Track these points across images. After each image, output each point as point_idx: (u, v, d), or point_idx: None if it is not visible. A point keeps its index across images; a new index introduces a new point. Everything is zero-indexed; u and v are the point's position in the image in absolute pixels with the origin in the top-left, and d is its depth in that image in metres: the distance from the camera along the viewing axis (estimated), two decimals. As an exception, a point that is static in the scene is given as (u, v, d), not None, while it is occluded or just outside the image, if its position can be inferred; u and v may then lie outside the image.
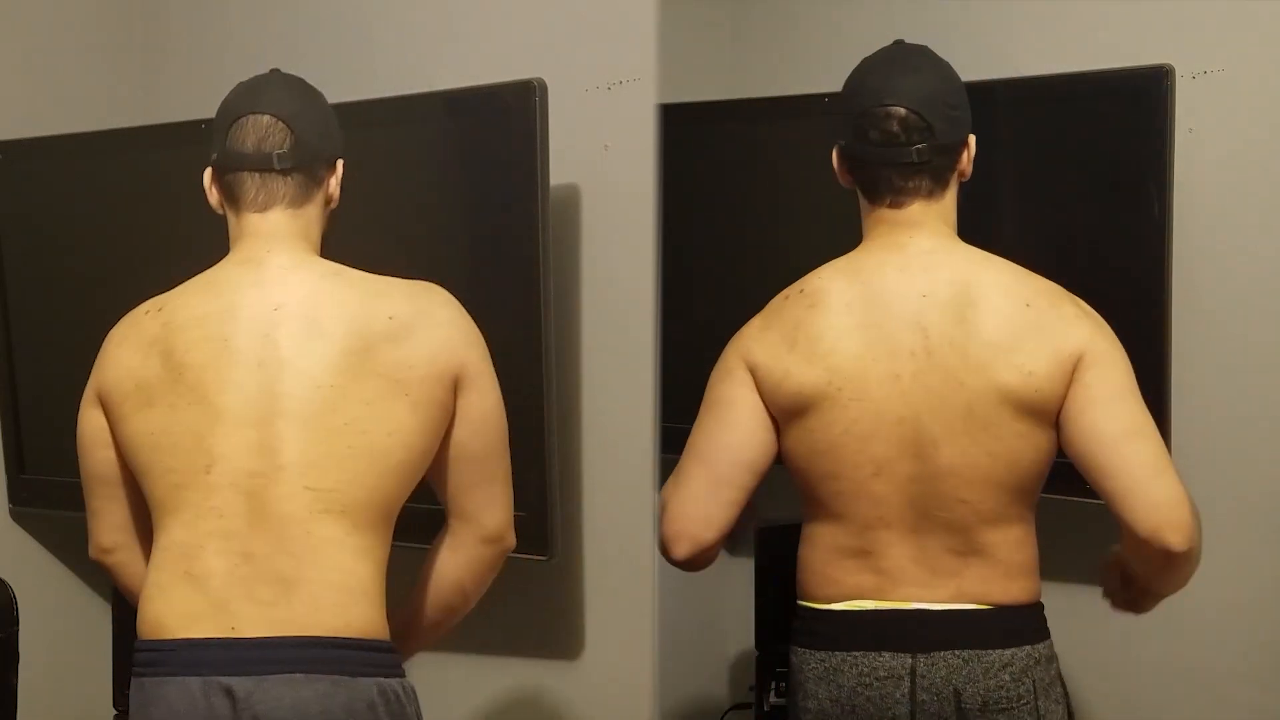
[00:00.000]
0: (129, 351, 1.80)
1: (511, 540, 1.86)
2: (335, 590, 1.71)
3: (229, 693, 1.66)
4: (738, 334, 1.90)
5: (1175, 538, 1.68)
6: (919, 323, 1.79)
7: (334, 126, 1.89)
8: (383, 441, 1.72)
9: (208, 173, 1.87)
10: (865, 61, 1.89)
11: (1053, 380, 1.76)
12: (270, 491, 1.70)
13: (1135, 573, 1.85)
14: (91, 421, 1.85)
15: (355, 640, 1.71)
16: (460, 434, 1.79)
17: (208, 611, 1.70)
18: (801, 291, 1.86)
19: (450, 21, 2.41)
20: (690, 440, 1.89)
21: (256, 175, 1.81)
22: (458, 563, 1.85)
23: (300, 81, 1.90)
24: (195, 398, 1.73)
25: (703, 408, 1.90)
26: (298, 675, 1.67)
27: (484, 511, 1.82)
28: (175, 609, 1.71)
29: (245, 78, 1.88)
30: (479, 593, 1.89)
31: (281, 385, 1.72)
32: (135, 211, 2.50)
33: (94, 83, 2.75)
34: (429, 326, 1.76)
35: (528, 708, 2.40)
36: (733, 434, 1.86)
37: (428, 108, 2.20)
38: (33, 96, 2.66)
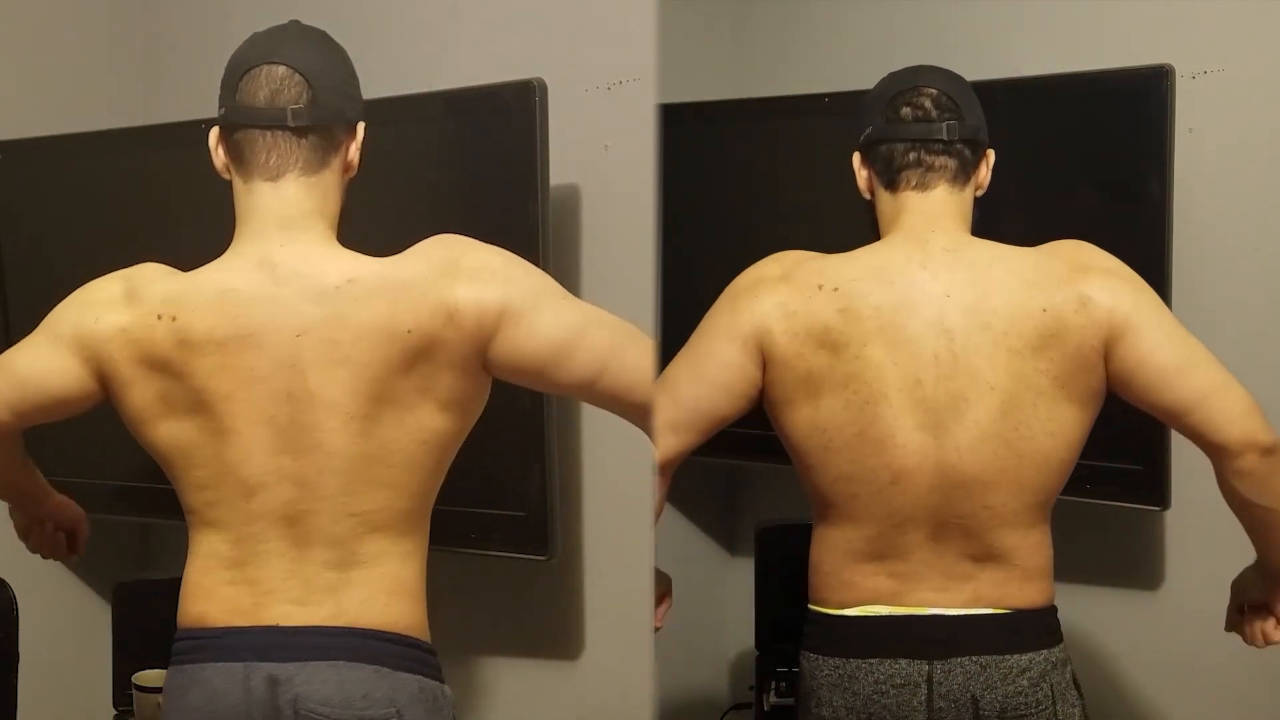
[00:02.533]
0: (139, 359, 1.68)
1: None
2: (382, 591, 1.70)
3: (270, 677, 1.65)
4: (754, 287, 1.83)
5: (1265, 435, 1.73)
6: (943, 325, 1.76)
7: (356, 86, 1.76)
8: (416, 450, 1.69)
9: (214, 132, 1.72)
10: (888, 74, 1.89)
11: (1088, 371, 1.75)
12: (314, 519, 1.68)
13: (1255, 535, 1.83)
14: (63, 367, 1.72)
15: (400, 636, 1.70)
16: (566, 362, 1.68)
17: (253, 607, 1.69)
18: (836, 290, 1.80)
19: (450, 21, 2.41)
20: (672, 370, 1.84)
21: (268, 134, 1.67)
22: None
23: (322, 34, 1.76)
24: (222, 427, 1.67)
25: (694, 340, 1.85)
26: (340, 661, 1.66)
27: (636, 393, 1.68)
28: (219, 605, 1.70)
29: (245, 77, 1.80)
30: None
31: (313, 417, 1.66)
32: (135, 211, 2.50)
33: (94, 83, 2.76)
34: (449, 325, 1.66)
35: (528, 708, 2.39)
36: (710, 388, 1.82)
37: (428, 108, 2.20)
38: (33, 96, 2.66)
